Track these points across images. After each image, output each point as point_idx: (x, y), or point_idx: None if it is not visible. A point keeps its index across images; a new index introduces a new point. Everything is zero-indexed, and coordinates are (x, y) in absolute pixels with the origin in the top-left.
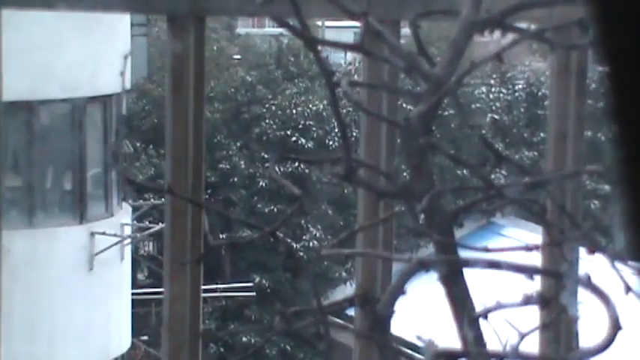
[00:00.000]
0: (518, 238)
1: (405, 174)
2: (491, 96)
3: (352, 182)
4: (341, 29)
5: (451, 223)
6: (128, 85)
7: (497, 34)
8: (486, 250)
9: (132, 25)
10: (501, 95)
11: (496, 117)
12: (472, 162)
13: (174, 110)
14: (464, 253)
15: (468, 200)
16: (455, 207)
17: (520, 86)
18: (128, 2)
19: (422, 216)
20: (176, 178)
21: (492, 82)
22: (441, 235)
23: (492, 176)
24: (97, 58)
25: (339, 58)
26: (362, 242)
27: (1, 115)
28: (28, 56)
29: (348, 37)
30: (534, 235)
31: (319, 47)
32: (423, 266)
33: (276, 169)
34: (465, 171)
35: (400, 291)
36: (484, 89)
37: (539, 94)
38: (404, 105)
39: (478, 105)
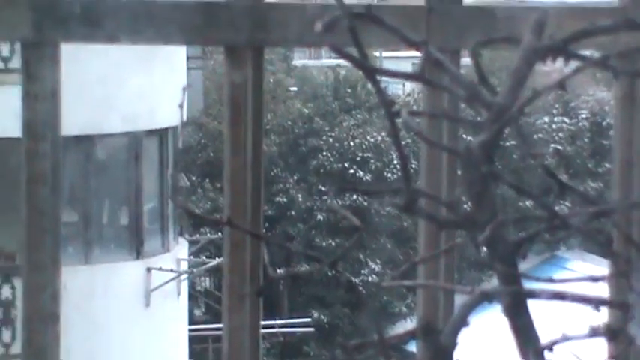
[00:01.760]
0: (584, 272)
1: (466, 204)
2: (554, 126)
3: (413, 213)
4: (399, 60)
5: (514, 253)
6: (185, 118)
7: (560, 62)
8: (551, 280)
9: (188, 58)
10: (564, 125)
11: (559, 147)
12: (535, 192)
13: (233, 142)
14: (528, 284)
15: (531, 230)
16: (518, 237)
17: (584, 116)
18: (187, 34)
19: (484, 247)
20: (234, 211)
21: (555, 112)
22: (503, 266)
23: (556, 207)
24: (154, 92)
25: (397, 89)
26: (423, 274)
27: (60, 150)
28: (86, 90)
29: (406, 68)
30: (600, 268)
31: (378, 77)
32: (486, 297)
33: (334, 201)
34: (528, 203)
35: (463, 323)
36: (547, 119)
37: (604, 123)
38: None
39: (541, 135)
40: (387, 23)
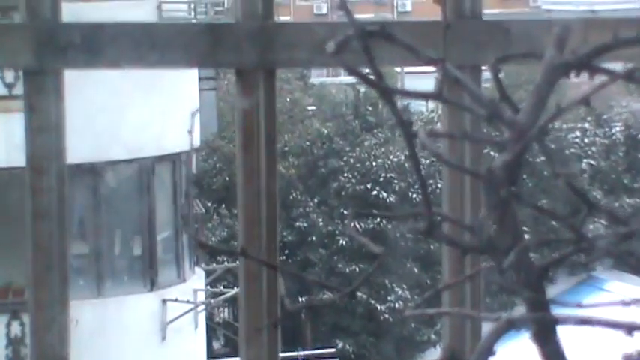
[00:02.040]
0: (621, 293)
1: (490, 228)
2: (586, 140)
3: (434, 237)
4: (421, 75)
5: (541, 278)
6: (197, 143)
7: (585, 77)
8: (580, 306)
9: (200, 79)
10: (597, 139)
11: (592, 162)
12: (561, 212)
13: (245, 169)
14: (556, 310)
15: (558, 253)
16: (544, 261)
17: (617, 129)
18: (194, 57)
19: (510, 272)
20: (249, 240)
21: (587, 125)
22: (530, 291)
23: (591, 226)
24: (163, 116)
25: (420, 106)
26: (448, 301)
27: (66, 180)
28: (92, 117)
29: (429, 83)
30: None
31: (395, 97)
32: (513, 325)
33: (355, 225)
34: (554, 225)
35: (490, 351)
36: (578, 133)
37: (639, 136)
38: (492, 153)
39: (572, 150)
40: (401, 41)
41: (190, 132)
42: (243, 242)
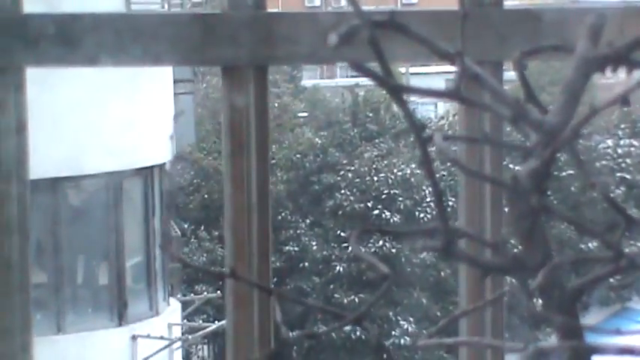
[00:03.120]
0: None
1: (515, 246)
2: (619, 150)
3: (452, 256)
4: (429, 76)
5: (574, 301)
6: (173, 153)
7: (622, 73)
8: (618, 332)
9: (175, 81)
10: (632, 149)
11: (627, 176)
12: (596, 227)
13: (234, 178)
14: (591, 338)
15: (593, 274)
16: (578, 283)
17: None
18: (179, 53)
19: (538, 295)
20: (238, 260)
21: (621, 133)
22: (562, 317)
23: (625, 247)
24: (136, 124)
25: (428, 112)
26: (466, 330)
27: (27, 192)
28: (51, 127)
29: (438, 86)
30: None
31: (406, 97)
32: (543, 355)
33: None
34: (591, 245)
35: None
36: (611, 143)
37: None
38: (511, 165)
39: (604, 162)
40: (414, 32)
41: (172, 138)
42: (232, 262)
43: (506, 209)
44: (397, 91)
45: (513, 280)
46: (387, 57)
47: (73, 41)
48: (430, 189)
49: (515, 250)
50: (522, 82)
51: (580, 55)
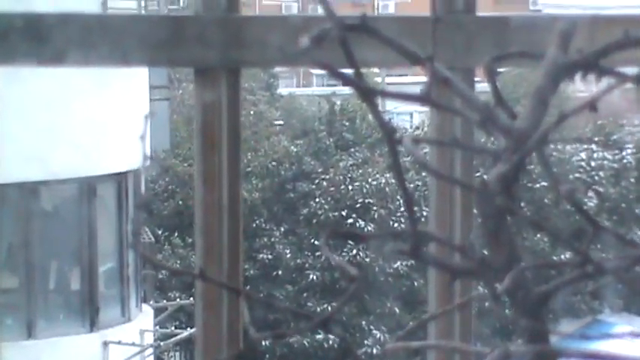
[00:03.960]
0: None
1: (483, 248)
2: (593, 163)
3: (420, 259)
4: (403, 86)
5: (541, 305)
6: (147, 160)
7: (594, 84)
8: (585, 337)
9: (150, 87)
10: (606, 162)
11: (600, 189)
12: (564, 233)
13: (205, 177)
14: (558, 342)
15: (560, 279)
16: (544, 287)
17: (629, 151)
18: (149, 53)
19: (505, 298)
20: (208, 260)
21: (594, 146)
22: (528, 321)
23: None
24: (109, 126)
25: (404, 122)
26: (435, 334)
27: None
28: (23, 129)
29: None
30: None
31: (380, 103)
32: (510, 358)
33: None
34: (563, 256)
35: None
36: (584, 155)
37: None
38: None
39: (577, 175)
40: (384, 35)
41: (143, 138)
42: (202, 262)
43: (475, 213)
44: (369, 94)
45: (482, 286)
46: (358, 61)
47: (43, 36)
48: (400, 190)
49: (483, 254)
50: (492, 88)
51: (549, 62)
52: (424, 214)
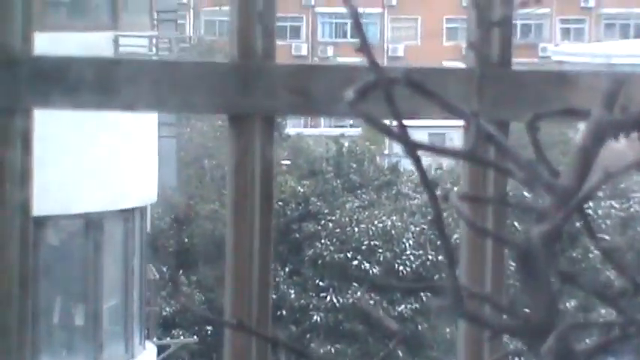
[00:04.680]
0: None
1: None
2: (600, 212)
3: (461, 316)
4: (412, 129)
5: None
6: (154, 197)
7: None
8: None
9: (159, 124)
10: (613, 211)
11: (607, 237)
12: (608, 292)
13: (236, 233)
14: None
15: (603, 339)
16: (588, 346)
17: (637, 199)
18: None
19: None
20: (238, 309)
21: (601, 194)
22: None
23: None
24: (116, 166)
25: (410, 165)
26: None
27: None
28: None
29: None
30: None
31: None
32: None
33: (333, 298)
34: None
35: None
36: (591, 203)
37: None
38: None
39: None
40: (429, 90)
41: (153, 180)
42: (232, 310)
43: (513, 270)
44: (414, 148)
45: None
46: (401, 112)
47: (115, 87)
48: (410, 242)
49: (525, 312)
50: (534, 144)
51: (594, 121)
52: (430, 257)
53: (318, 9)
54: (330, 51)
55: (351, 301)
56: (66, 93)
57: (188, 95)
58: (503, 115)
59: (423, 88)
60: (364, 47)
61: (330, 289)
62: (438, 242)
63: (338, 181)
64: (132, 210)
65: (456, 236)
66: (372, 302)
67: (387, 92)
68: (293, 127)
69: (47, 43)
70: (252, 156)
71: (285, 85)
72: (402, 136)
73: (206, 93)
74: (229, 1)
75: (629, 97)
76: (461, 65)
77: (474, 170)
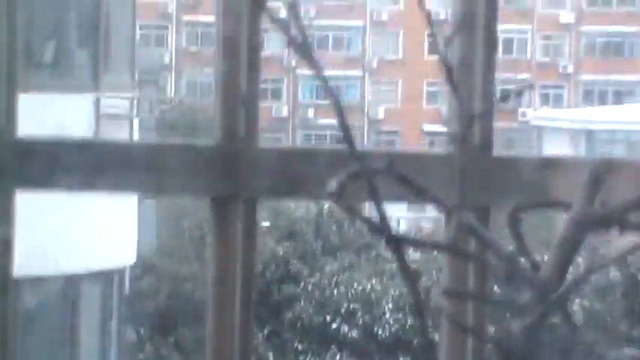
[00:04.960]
0: None
1: None
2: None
3: None
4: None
5: None
6: (133, 259)
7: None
8: None
9: None
10: (592, 277)
11: (585, 303)
12: None
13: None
14: None
15: None
16: None
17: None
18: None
19: None
20: None
21: (580, 260)
22: None
23: None
24: (94, 228)
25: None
26: None
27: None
28: None
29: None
30: None
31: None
32: None
33: None
34: None
35: None
36: (569, 269)
37: None
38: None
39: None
40: (411, 181)
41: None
42: None
43: None
44: (396, 242)
45: None
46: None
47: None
48: (389, 305)
49: None
50: (515, 236)
51: (575, 214)
52: (409, 321)
53: (299, 71)
54: (310, 113)
55: None
56: (49, 175)
57: (171, 178)
58: (485, 201)
59: (406, 179)
60: (347, 138)
61: (309, 352)
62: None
63: (318, 243)
64: (110, 272)
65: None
66: None
67: (370, 184)
68: None
69: (30, 105)
70: (234, 238)
71: (268, 169)
72: (383, 229)
73: (189, 176)
74: (214, 88)
75: (610, 187)
76: (442, 152)
77: (455, 262)
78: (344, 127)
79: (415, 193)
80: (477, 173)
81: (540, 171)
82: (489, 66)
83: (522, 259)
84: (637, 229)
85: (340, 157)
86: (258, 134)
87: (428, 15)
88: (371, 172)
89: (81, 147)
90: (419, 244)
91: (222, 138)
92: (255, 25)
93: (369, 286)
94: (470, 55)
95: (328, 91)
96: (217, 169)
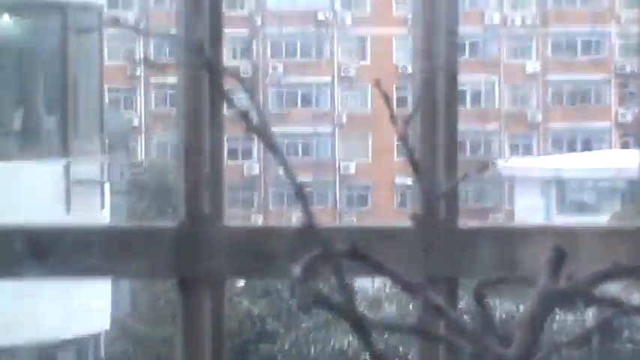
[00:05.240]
0: None
1: None
2: (555, 325)
3: None
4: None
5: None
6: (107, 324)
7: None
8: None
9: None
10: (567, 323)
11: (561, 350)
12: None
13: None
14: None
15: None
16: None
17: (591, 315)
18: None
19: None
20: None
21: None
22: None
23: None
24: (68, 295)
25: (365, 283)
26: None
27: None
28: None
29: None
30: None
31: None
32: None
33: None
34: None
35: None
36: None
37: (615, 323)
38: None
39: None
40: (376, 262)
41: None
42: None
43: None
44: (361, 325)
45: None
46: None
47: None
48: None
49: None
50: (481, 314)
51: (541, 289)
52: None
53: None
54: (281, 170)
55: None
56: (8, 262)
57: (137, 261)
58: (453, 272)
59: (370, 260)
60: (308, 221)
61: None
62: None
63: (293, 301)
64: (85, 338)
65: None
66: None
67: (335, 268)
68: None
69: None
70: (202, 319)
71: (234, 248)
72: (350, 312)
73: (155, 258)
74: (175, 167)
75: (575, 258)
76: (407, 226)
77: (425, 343)
78: (307, 212)
79: (378, 272)
80: (444, 245)
81: (507, 241)
82: (451, 145)
83: (489, 336)
84: (602, 303)
85: (306, 236)
86: (223, 213)
87: (391, 114)
88: (335, 256)
89: (43, 233)
90: (385, 327)
91: (186, 218)
92: (216, 107)
93: (346, 343)
94: (431, 135)
95: (289, 177)
96: (182, 252)
